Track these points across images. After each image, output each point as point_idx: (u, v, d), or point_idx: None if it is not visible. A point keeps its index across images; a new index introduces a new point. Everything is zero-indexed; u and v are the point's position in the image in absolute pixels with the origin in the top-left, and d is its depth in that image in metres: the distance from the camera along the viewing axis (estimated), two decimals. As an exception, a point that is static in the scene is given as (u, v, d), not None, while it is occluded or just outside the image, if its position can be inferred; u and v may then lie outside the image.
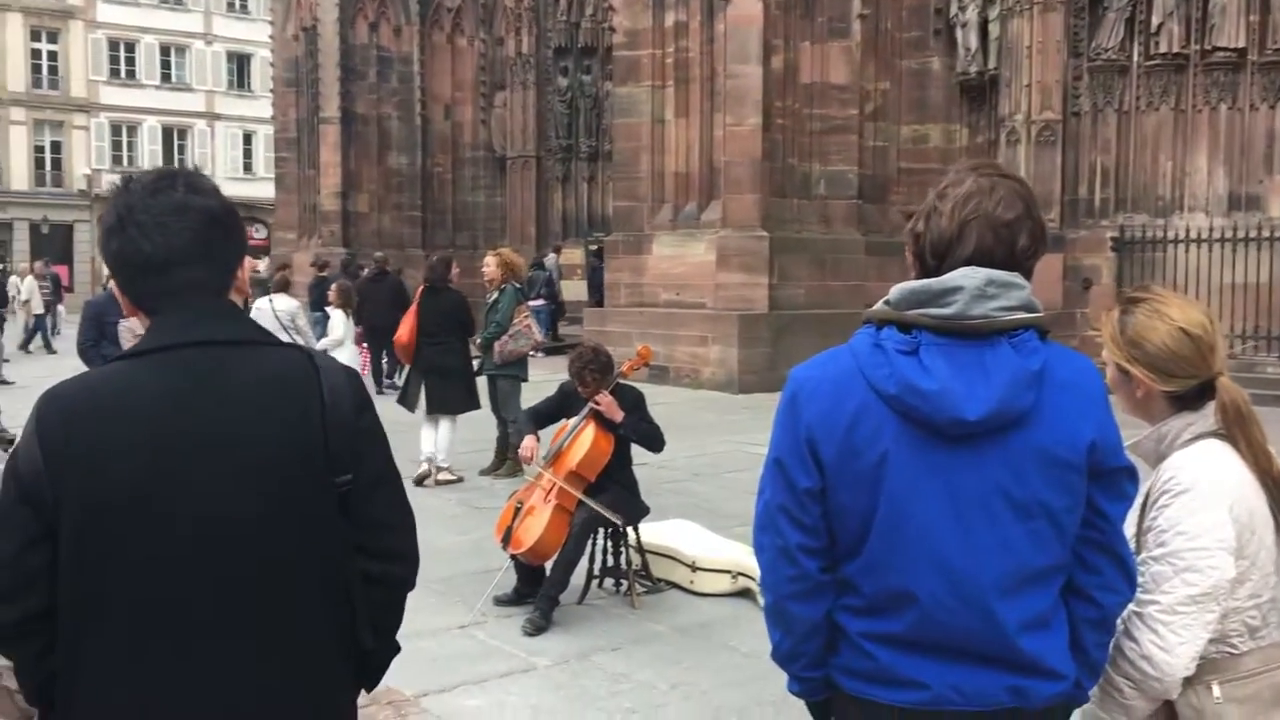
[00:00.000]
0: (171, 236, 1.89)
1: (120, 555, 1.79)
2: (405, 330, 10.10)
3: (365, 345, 17.44)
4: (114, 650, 1.80)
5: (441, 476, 9.74)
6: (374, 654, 2.03)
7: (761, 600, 6.62)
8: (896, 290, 2.00)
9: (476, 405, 9.88)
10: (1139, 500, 2.28)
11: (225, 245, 1.95)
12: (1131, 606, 2.22)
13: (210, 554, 1.82)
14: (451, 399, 9.80)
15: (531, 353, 10.25)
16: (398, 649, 2.13)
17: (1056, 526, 1.95)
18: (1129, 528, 2.22)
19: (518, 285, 10.04)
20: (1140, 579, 2.23)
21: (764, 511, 2.08)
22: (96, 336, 7.96)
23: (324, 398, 1.90)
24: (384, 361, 16.72)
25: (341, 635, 1.94)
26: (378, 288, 16.77)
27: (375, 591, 1.98)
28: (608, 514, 6.11)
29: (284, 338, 11.45)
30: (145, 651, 1.79)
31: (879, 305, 2.04)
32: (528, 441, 6.37)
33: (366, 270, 17.66)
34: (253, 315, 12.68)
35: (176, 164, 41.38)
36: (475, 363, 10.23)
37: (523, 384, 10.15)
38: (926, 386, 1.91)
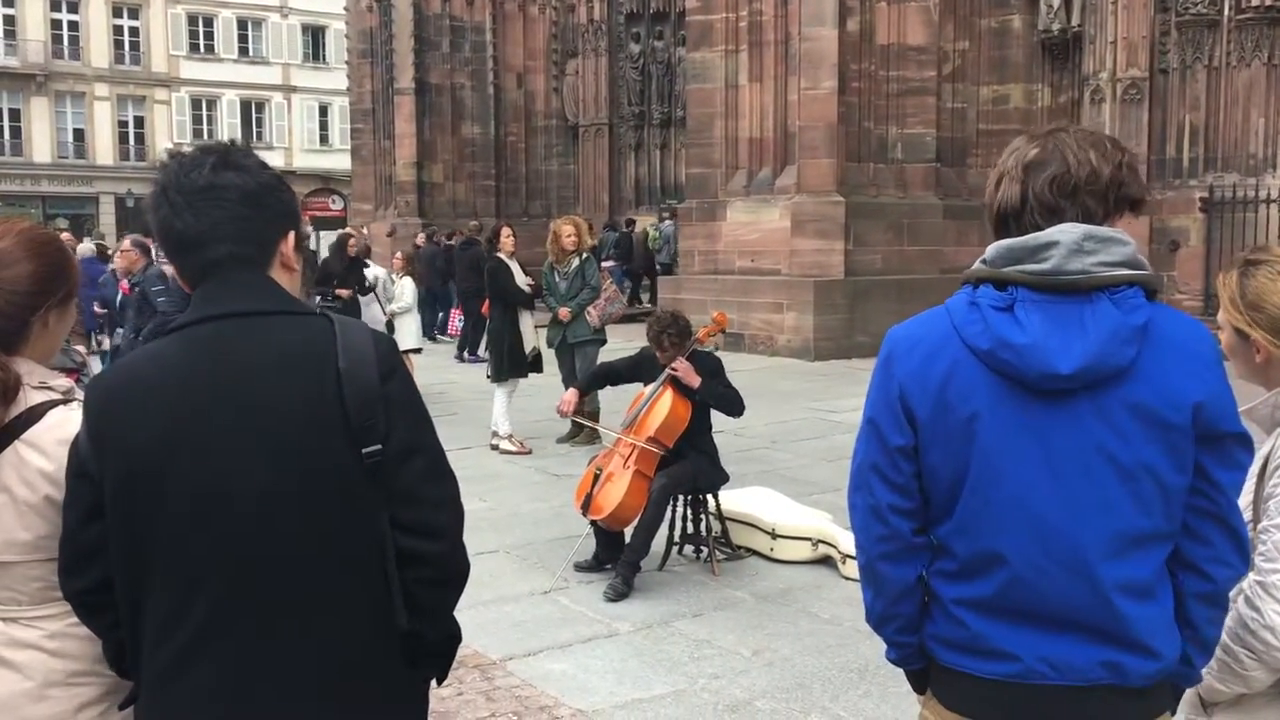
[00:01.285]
0: (202, 215, 1.88)
1: (149, 529, 1.83)
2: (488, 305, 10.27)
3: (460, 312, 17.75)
4: (159, 625, 1.84)
5: (495, 443, 9.84)
6: (421, 638, 1.93)
7: (842, 567, 6.55)
8: (993, 248, 1.97)
9: (515, 373, 9.78)
10: (1256, 467, 2.22)
11: (261, 222, 1.91)
12: (1253, 576, 2.16)
13: (226, 529, 1.80)
14: (491, 366, 9.96)
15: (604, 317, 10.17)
16: (455, 635, 2.03)
17: (1162, 490, 1.90)
18: (1244, 496, 2.17)
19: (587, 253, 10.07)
20: (1262, 548, 2.17)
21: (857, 471, 2.07)
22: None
23: (339, 365, 1.83)
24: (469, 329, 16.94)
25: (377, 613, 1.88)
26: (465, 256, 16.99)
27: (413, 570, 1.90)
28: (686, 481, 6.11)
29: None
30: (180, 628, 1.82)
31: (976, 264, 2.01)
32: (567, 394, 6.50)
33: (455, 239, 17.96)
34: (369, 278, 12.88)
35: (255, 137, 41.89)
36: (540, 333, 10.19)
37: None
38: (1018, 340, 1.88)
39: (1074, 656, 1.91)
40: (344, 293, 11.48)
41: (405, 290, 12.97)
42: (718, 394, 6.31)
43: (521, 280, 9.91)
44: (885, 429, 2.01)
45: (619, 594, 5.90)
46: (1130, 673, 1.91)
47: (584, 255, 9.98)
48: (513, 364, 9.76)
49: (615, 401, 9.05)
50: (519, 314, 9.82)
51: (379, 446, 1.85)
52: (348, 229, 10.64)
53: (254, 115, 45.76)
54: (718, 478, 6.43)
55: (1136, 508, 1.91)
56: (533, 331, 9.95)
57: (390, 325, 12.73)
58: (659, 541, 6.33)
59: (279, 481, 1.81)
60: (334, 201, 45.67)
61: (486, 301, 10.34)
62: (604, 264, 22.79)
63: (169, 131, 43.80)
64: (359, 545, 1.86)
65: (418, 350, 13.18)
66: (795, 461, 9.25)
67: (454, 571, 1.97)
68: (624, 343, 10.70)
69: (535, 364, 10.00)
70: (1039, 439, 1.90)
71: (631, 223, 23.68)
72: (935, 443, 1.97)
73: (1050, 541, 1.91)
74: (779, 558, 6.54)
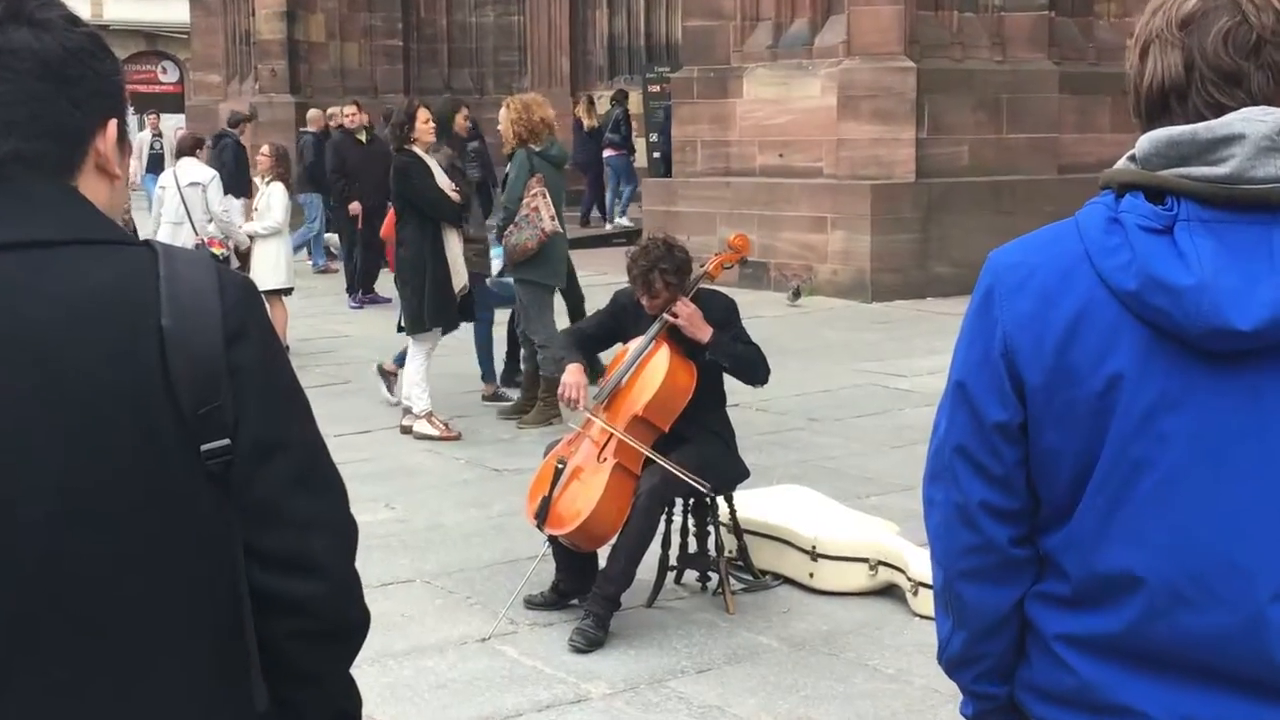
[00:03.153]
0: None
1: None
2: (389, 221, 10.23)
3: (339, 238, 17.73)
4: None
5: (406, 422, 9.89)
6: (299, 717, 1.97)
7: (914, 600, 6.60)
8: (1148, 141, 1.96)
9: (440, 322, 9.82)
10: None
11: (66, 105, 1.88)
12: None
13: (2, 551, 1.77)
14: (404, 311, 9.92)
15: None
16: (350, 710, 2.06)
17: None
18: None
19: (536, 149, 10.00)
20: None
21: (937, 454, 2.09)
22: None
23: (162, 321, 1.82)
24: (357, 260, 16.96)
25: (231, 681, 1.89)
26: (364, 155, 16.87)
27: (281, 620, 1.91)
28: (689, 478, 6.17)
29: (205, 229, 11.35)
30: None
31: (1121, 163, 2.00)
32: (570, 375, 6.43)
33: (341, 126, 17.86)
34: (155, 195, 12.95)
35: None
36: (496, 261, 10.32)
37: (552, 293, 10.23)
38: (1179, 280, 1.88)
39: (1229, 717, 1.94)
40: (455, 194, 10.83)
41: (273, 203, 12.95)
42: (735, 352, 6.32)
43: (444, 185, 9.88)
44: (980, 398, 2.03)
45: (591, 642, 5.94)
46: None
47: (513, 154, 9.98)
48: (436, 308, 9.75)
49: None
50: (445, 234, 9.82)
51: (224, 441, 1.84)
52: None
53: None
54: (733, 473, 6.46)
55: None
56: (463, 261, 9.96)
57: (241, 254, 12.72)
58: (648, 566, 6.37)
59: (78, 490, 1.79)
60: (164, 71, 45.30)
61: (389, 217, 10.28)
62: (608, 152, 22.92)
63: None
64: (199, 584, 1.86)
65: (288, 291, 13.20)
66: (844, 448, 9.29)
67: (341, 622, 1.98)
68: (596, 276, 10.73)
69: (466, 308, 10.01)
70: (1200, 418, 1.92)
71: (624, 95, 23.64)
72: (1052, 419, 1.99)
73: (1206, 562, 1.93)
74: (821, 587, 6.59)
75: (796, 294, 15.94)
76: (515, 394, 10.68)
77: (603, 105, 23.89)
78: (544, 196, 9.89)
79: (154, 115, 30.17)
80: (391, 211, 10.21)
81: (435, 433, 9.73)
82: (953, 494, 2.07)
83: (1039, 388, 1.99)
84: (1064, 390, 1.97)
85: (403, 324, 10.00)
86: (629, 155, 23.19)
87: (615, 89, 24.14)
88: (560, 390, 6.48)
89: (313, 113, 20.81)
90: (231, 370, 1.84)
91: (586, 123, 23.36)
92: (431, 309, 9.70)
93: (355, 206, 16.85)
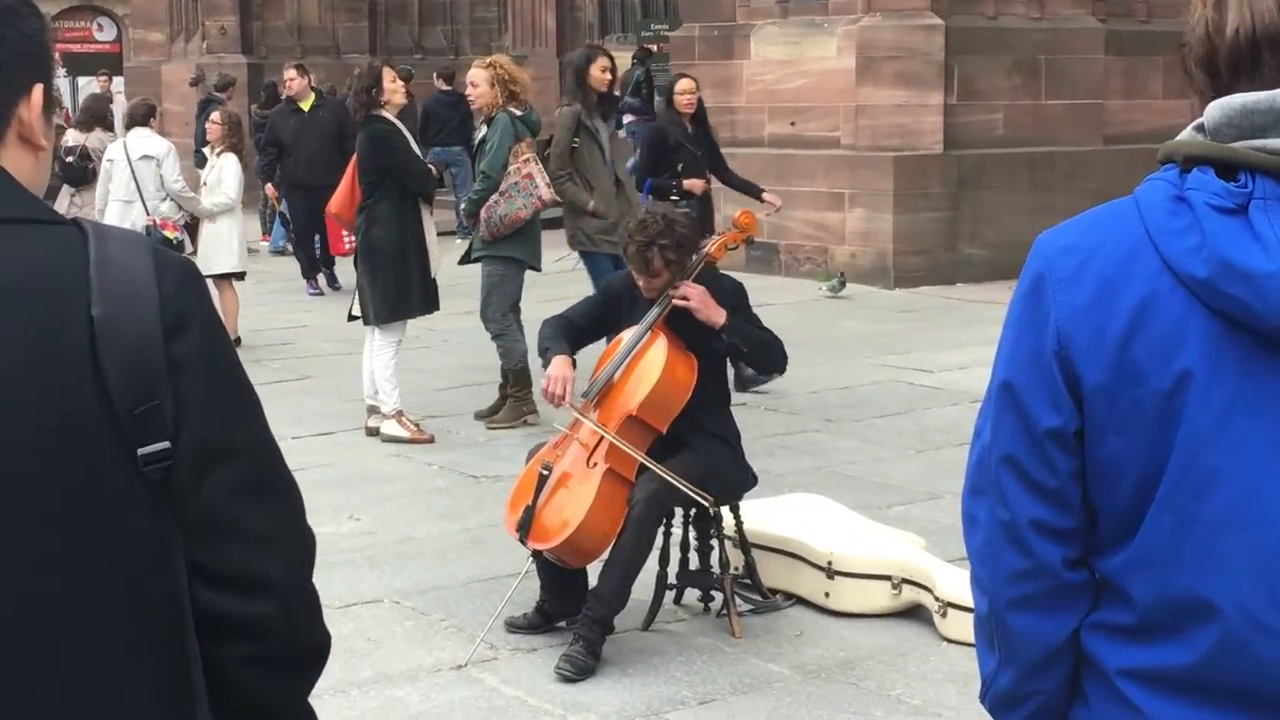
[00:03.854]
0: None
1: None
2: (340, 195, 10.22)
3: (287, 215, 17.76)
4: None
5: (373, 423, 9.88)
6: None
7: (941, 623, 6.60)
8: (1219, 108, 1.95)
9: (408, 309, 9.83)
10: None
11: None
12: None
13: None
14: (367, 298, 9.88)
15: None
16: None
17: None
18: None
19: (519, 113, 10.02)
20: None
21: (980, 466, 2.09)
22: None
23: (93, 310, 1.82)
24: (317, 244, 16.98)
25: (173, 716, 1.89)
26: (302, 126, 16.86)
27: (230, 645, 1.93)
28: (689, 489, 6.15)
29: (158, 208, 11.40)
30: None
31: (1187, 133, 2.00)
32: (555, 368, 6.42)
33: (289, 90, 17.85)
34: (103, 169, 12.92)
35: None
36: (447, 244, 10.31)
37: (525, 273, 10.19)
38: (1257, 266, 1.88)
39: None
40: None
41: (225, 176, 12.94)
42: (752, 335, 6.32)
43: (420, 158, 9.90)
44: (1030, 401, 2.03)
45: (580, 669, 5.93)
46: None
47: (492, 118, 9.97)
48: (423, 293, 9.79)
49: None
50: (420, 211, 9.81)
51: (164, 445, 1.84)
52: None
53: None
54: (739, 480, 6.47)
55: None
56: (437, 241, 9.96)
57: (189, 231, 12.70)
58: (644, 585, 6.36)
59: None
60: (100, 28, 45.26)
61: (340, 193, 10.22)
62: (627, 118, 22.95)
63: None
64: (135, 606, 1.86)
65: (240, 275, 13.21)
66: (863, 452, 9.30)
67: (297, 645, 1.99)
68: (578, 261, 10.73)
69: (431, 294, 9.99)
70: (1281, 423, 1.94)
71: (647, 54, 23.61)
72: (1114, 424, 1.98)
73: None
74: (838, 609, 6.59)
75: (841, 283, 15.54)
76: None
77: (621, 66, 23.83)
78: (536, 162, 9.97)
79: (105, 76, 30.10)
80: (345, 186, 10.14)
81: (405, 435, 9.72)
82: (999, 511, 2.07)
83: (1099, 388, 1.98)
84: (1127, 390, 1.96)
85: (355, 312, 9.97)
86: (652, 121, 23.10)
87: (638, 46, 24.10)
88: (545, 384, 6.47)
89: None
90: (172, 364, 1.84)
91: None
92: (419, 295, 9.72)
93: (270, 190, 16.88)
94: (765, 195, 11.85)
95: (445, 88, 21.56)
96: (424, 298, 9.81)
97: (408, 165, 9.74)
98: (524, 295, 10.20)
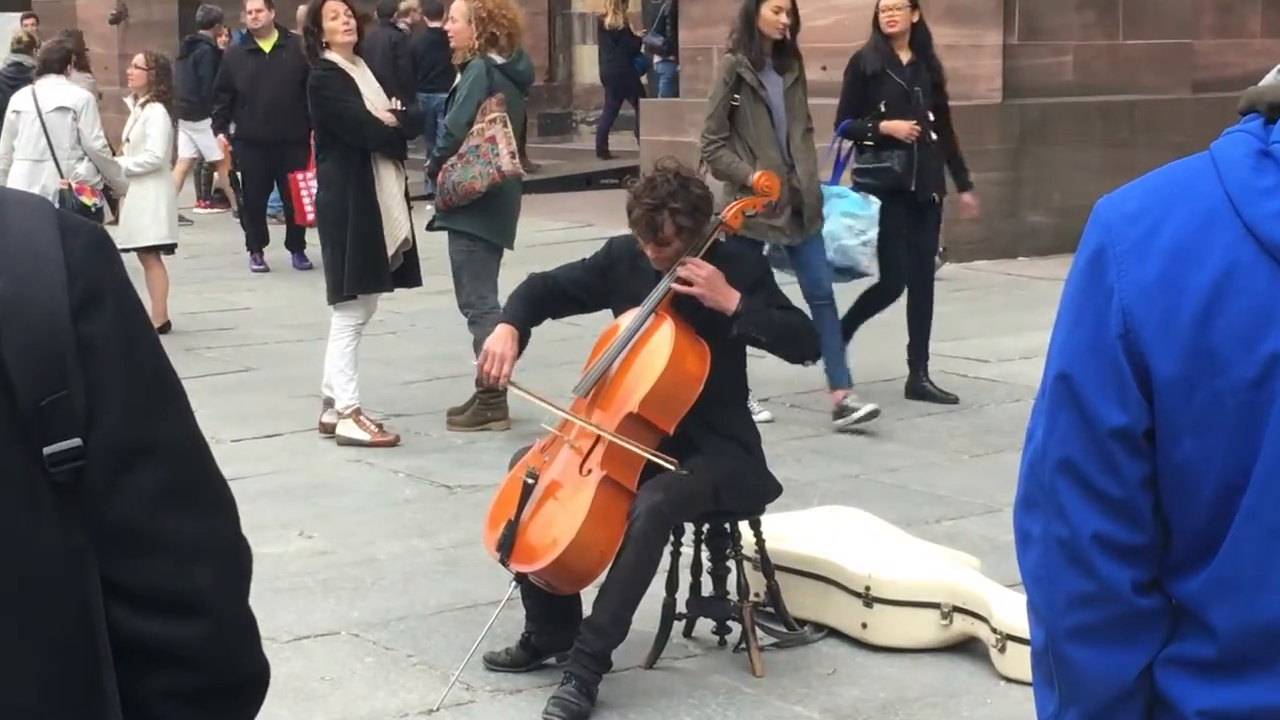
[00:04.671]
0: None
1: None
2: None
3: (239, 176, 17.74)
4: None
5: (328, 419, 9.89)
6: None
7: (1000, 658, 6.58)
8: None
9: (372, 285, 9.85)
10: None
11: None
12: None
13: None
14: (326, 274, 9.94)
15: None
16: None
17: None
18: None
19: (499, 60, 9.91)
20: None
21: (1034, 473, 2.10)
22: None
23: None
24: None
25: None
26: (260, 70, 16.84)
27: (155, 676, 1.93)
28: (665, 463, 6.15)
29: (74, 170, 11.43)
30: None
31: (1271, 77, 2.01)
32: (495, 340, 6.45)
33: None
34: (6, 121, 12.90)
35: None
36: (420, 209, 10.40)
37: (498, 256, 10.17)
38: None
39: None
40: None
41: (152, 130, 12.93)
42: (772, 321, 6.33)
43: (379, 105, 9.86)
44: (1092, 395, 2.03)
45: (573, 714, 5.93)
46: None
47: (466, 63, 9.96)
48: (359, 267, 9.74)
49: (563, 345, 9.05)
50: (377, 170, 9.83)
51: (74, 442, 1.85)
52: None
53: None
54: (760, 490, 6.48)
55: None
56: (405, 206, 9.97)
57: (107, 197, 12.70)
58: (648, 614, 6.37)
59: None
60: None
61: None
62: (654, 62, 22.98)
63: None
64: (41, 632, 1.86)
65: (169, 248, 13.24)
66: (908, 456, 9.32)
67: (231, 675, 1.99)
68: (579, 230, 10.70)
69: (409, 267, 10.01)
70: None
71: None
72: (1191, 420, 1.99)
73: None
74: (878, 642, 6.60)
75: (942, 259, 15.37)
76: (868, 406, 9.90)
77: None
78: (504, 125, 9.81)
79: (31, 20, 29.99)
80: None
81: (365, 436, 9.71)
82: (1056, 526, 2.07)
83: (1173, 379, 1.99)
84: (1206, 381, 1.97)
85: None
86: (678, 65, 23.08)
87: None
88: (479, 360, 6.50)
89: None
90: (82, 347, 1.85)
91: (609, 20, 23.35)
92: (353, 269, 9.65)
93: (222, 140, 16.86)
94: (966, 196, 11.19)
95: (433, 24, 21.49)
96: (370, 273, 9.76)
97: (340, 115, 9.73)
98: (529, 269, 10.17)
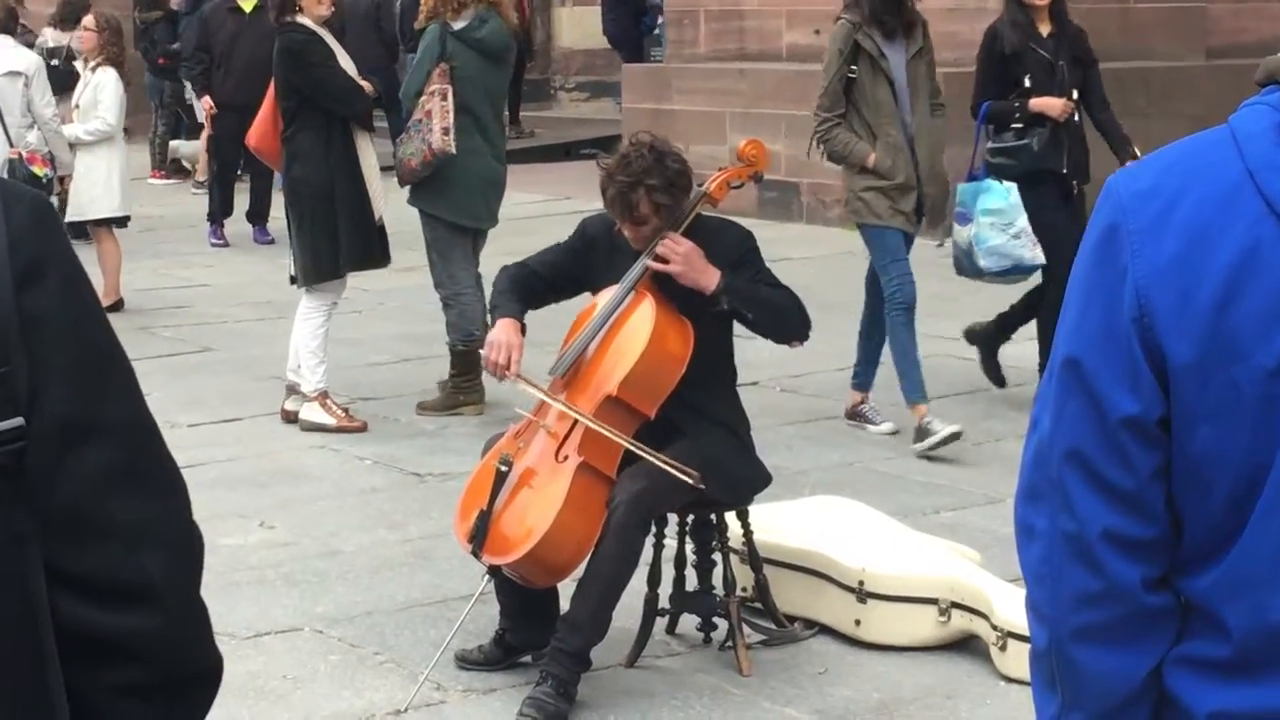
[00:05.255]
0: None
1: None
2: (259, 123, 10.24)
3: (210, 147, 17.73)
4: None
5: (291, 406, 9.91)
6: None
7: (1000, 657, 6.60)
8: None
9: (355, 266, 9.89)
10: None
11: None
12: None
13: None
14: (294, 254, 9.93)
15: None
16: None
17: None
18: None
19: (454, 26, 9.77)
20: None
21: (1039, 463, 2.10)
22: None
23: None
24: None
25: None
26: (240, 30, 16.81)
27: (102, 670, 1.94)
28: (684, 476, 6.16)
29: (24, 138, 11.46)
30: None
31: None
32: (499, 332, 6.44)
33: None
34: None
35: None
36: (392, 182, 10.33)
37: (465, 236, 10.15)
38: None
39: None
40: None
41: (103, 96, 12.91)
42: (757, 296, 6.34)
43: (349, 73, 9.86)
44: (1103, 382, 2.03)
45: (549, 715, 5.94)
46: None
47: (423, 29, 9.97)
48: (354, 245, 9.76)
49: (540, 327, 9.11)
50: (356, 141, 9.84)
51: (16, 422, 1.85)
52: None
53: None
54: (748, 479, 6.49)
55: None
56: (380, 180, 9.97)
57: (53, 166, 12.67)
58: (629, 610, 6.38)
59: None
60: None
61: (260, 120, 10.22)
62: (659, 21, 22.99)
63: None
64: None
65: (121, 221, 13.23)
66: (906, 444, 9.32)
67: (182, 668, 1.99)
68: (558, 203, 10.68)
69: (380, 245, 10.00)
70: None
71: None
72: (1206, 410, 1.99)
73: None
74: (872, 639, 6.61)
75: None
76: (950, 427, 9.28)
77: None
78: (443, 98, 9.73)
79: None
80: (264, 113, 10.14)
81: (331, 422, 9.73)
82: (1062, 520, 2.08)
83: (1188, 365, 1.99)
84: (1223, 368, 1.97)
85: (294, 273, 9.96)
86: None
87: None
88: (485, 352, 6.48)
89: None
90: (24, 321, 1.85)
91: None
92: (348, 247, 9.65)
93: (207, 102, 16.80)
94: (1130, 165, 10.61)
95: None
96: (362, 249, 9.77)
97: (323, 81, 9.71)
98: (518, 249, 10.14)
